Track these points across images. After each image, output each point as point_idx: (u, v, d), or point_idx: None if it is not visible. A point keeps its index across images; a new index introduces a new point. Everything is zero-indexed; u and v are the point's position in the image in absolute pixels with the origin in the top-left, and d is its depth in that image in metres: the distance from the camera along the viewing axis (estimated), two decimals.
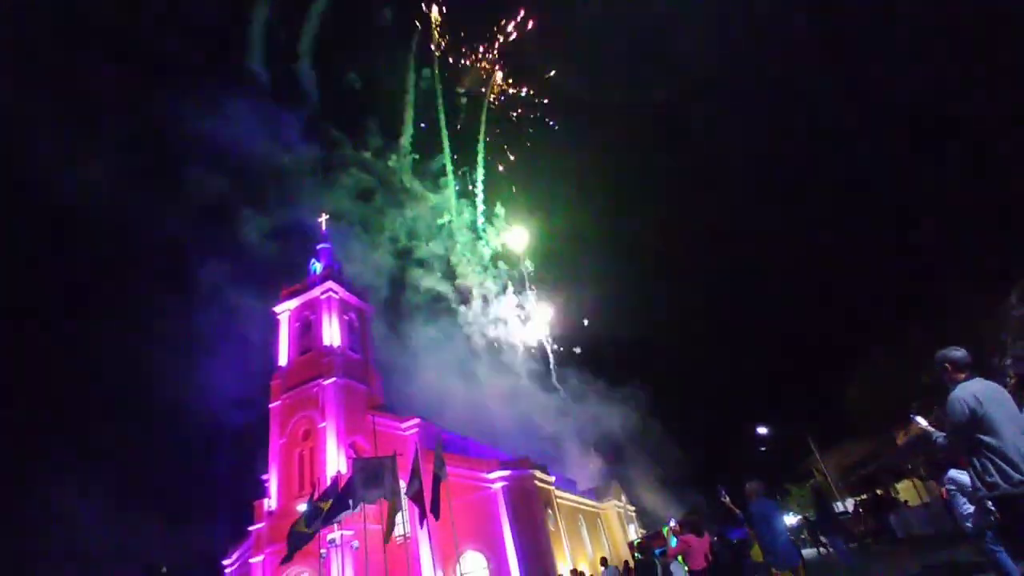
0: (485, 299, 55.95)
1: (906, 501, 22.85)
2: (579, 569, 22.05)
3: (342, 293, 33.94)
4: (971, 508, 6.52)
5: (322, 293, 32.96)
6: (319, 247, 37.22)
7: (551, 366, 58.20)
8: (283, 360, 32.37)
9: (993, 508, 3.71)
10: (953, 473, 6.82)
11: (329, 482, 21.86)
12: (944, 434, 4.42)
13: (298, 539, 16.99)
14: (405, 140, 55.64)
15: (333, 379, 29.48)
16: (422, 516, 17.36)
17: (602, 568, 17.86)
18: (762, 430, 39.72)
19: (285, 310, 33.82)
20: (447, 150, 56.97)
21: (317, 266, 35.56)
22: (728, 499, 9.22)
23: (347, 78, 59.96)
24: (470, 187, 58.89)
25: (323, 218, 39.69)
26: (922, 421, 5.65)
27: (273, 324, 34.16)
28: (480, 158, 58.58)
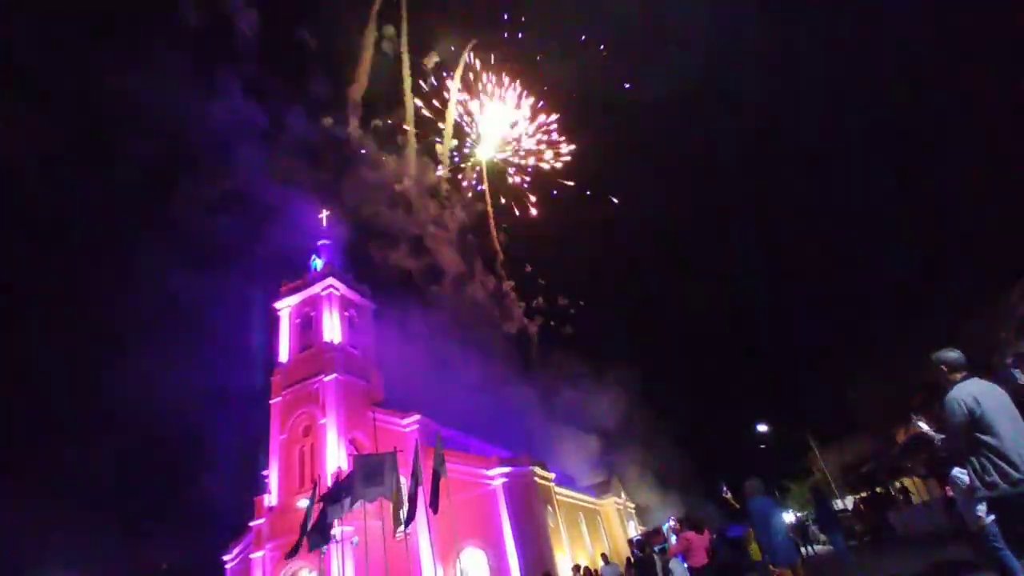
0: (462, 282, 54.60)
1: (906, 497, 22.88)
2: (587, 565, 21.90)
3: (343, 290, 33.95)
4: (975, 506, 6.53)
5: (323, 289, 32.94)
6: (320, 243, 37.11)
7: (543, 356, 57.43)
8: (283, 356, 32.42)
9: (984, 510, 3.71)
10: (956, 471, 6.82)
11: (330, 480, 21.94)
12: (943, 435, 4.43)
13: (316, 538, 17.23)
14: (356, 94, 53.13)
15: (334, 375, 29.52)
16: (410, 513, 17.24)
17: (602, 564, 17.88)
18: (762, 427, 39.69)
19: (286, 306, 33.81)
20: (411, 114, 54.39)
21: (318, 262, 35.48)
22: (730, 495, 9.30)
23: (298, 34, 56.88)
24: (437, 157, 56.25)
25: (324, 214, 39.53)
26: (923, 424, 5.67)
27: (273, 319, 34.16)
28: (448, 125, 56.17)
